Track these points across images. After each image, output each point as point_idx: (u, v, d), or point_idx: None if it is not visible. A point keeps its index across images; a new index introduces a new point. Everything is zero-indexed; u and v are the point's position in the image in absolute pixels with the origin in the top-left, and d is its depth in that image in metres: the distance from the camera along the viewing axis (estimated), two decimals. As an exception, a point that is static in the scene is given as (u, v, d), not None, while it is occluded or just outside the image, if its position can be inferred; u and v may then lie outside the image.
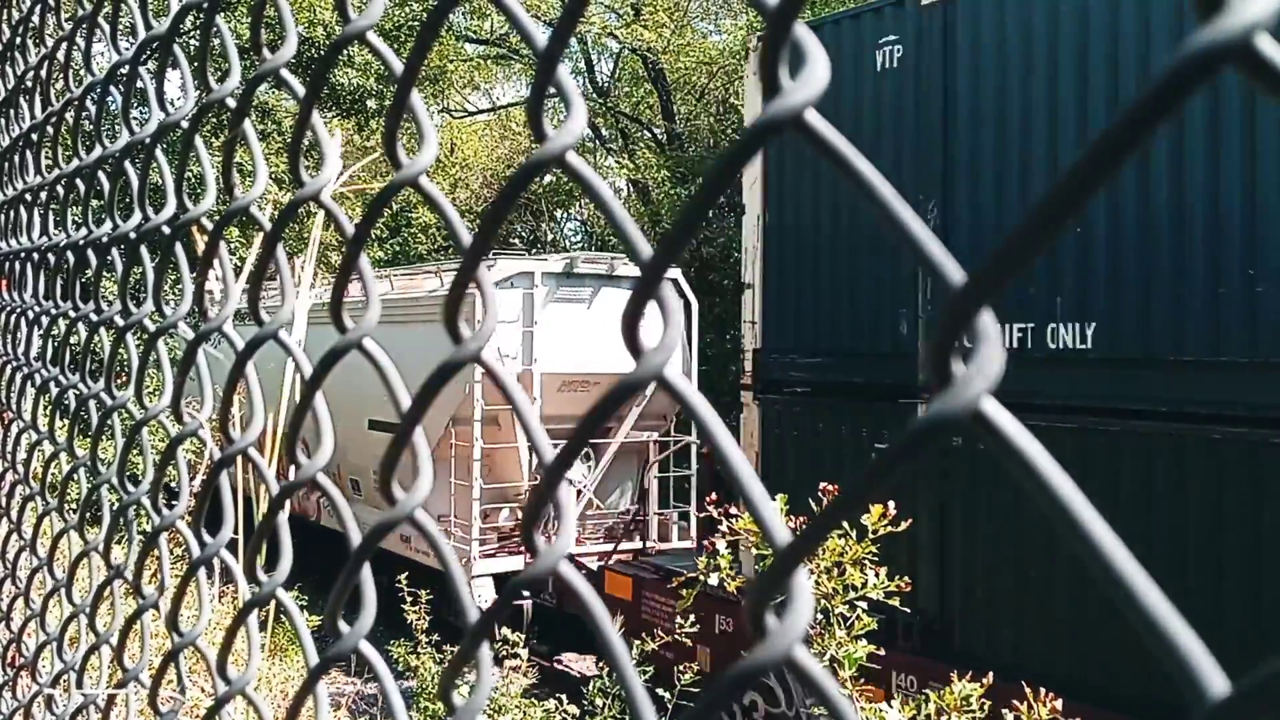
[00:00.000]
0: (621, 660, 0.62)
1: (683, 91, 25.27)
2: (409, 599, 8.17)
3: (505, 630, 7.31)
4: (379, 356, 0.86)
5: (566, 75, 0.64)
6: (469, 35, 25.83)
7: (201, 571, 1.31)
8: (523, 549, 0.74)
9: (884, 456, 0.42)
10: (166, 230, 1.35)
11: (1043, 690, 4.63)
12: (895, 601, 4.82)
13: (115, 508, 1.59)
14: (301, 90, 0.94)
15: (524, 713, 7.18)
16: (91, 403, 1.74)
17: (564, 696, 7.33)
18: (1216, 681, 0.35)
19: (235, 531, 1.35)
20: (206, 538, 1.24)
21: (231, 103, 1.12)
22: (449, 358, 0.72)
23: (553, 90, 0.68)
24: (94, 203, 1.76)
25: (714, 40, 25.57)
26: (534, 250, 24.95)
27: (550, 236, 28.56)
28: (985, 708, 4.55)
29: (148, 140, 1.40)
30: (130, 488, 1.55)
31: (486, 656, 0.71)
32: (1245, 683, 0.34)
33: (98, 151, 1.67)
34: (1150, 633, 0.37)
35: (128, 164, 1.54)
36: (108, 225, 1.66)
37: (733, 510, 5.10)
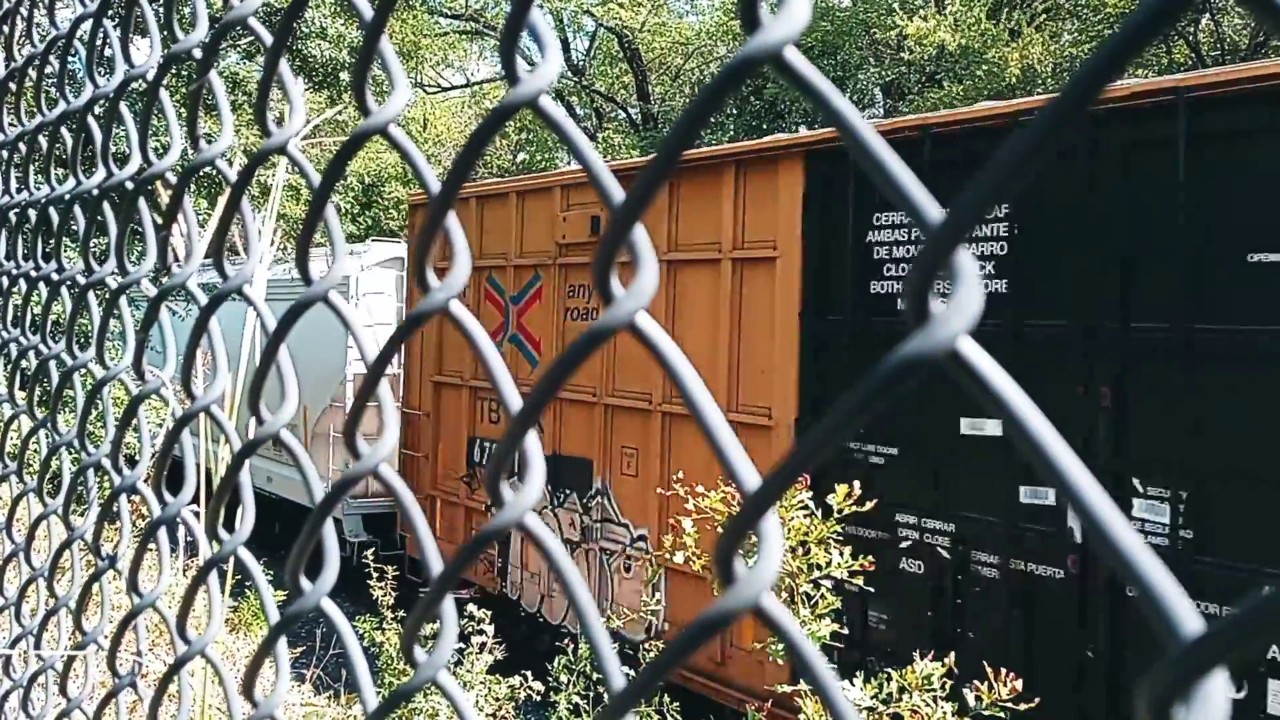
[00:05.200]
0: (588, 614, 0.62)
1: (658, 72, 25.21)
2: (375, 574, 8.14)
3: (470, 607, 7.30)
4: (344, 310, 0.84)
5: (540, 17, 0.62)
6: (443, 10, 25.61)
7: (162, 533, 1.30)
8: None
9: (858, 393, 0.41)
10: (130, 186, 1.33)
11: (1004, 670, 4.68)
12: (859, 581, 4.85)
13: (75, 469, 1.56)
14: (269, 39, 0.92)
15: (489, 689, 7.17)
16: (52, 364, 1.71)
17: (529, 674, 7.33)
18: (1190, 620, 0.35)
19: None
20: (168, 498, 1.22)
21: (198, 54, 1.09)
22: (418, 307, 0.70)
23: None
24: (58, 171, 1.72)
25: (690, 21, 25.51)
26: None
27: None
28: (947, 687, 4.59)
29: (111, 94, 1.37)
30: (91, 449, 1.52)
31: (450, 610, 0.70)
32: (1218, 622, 0.34)
33: (61, 107, 1.63)
34: (1125, 571, 0.36)
35: (91, 119, 1.51)
36: (70, 183, 1.62)
37: (699, 487, 5.10)
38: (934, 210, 0.42)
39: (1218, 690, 0.33)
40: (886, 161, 0.43)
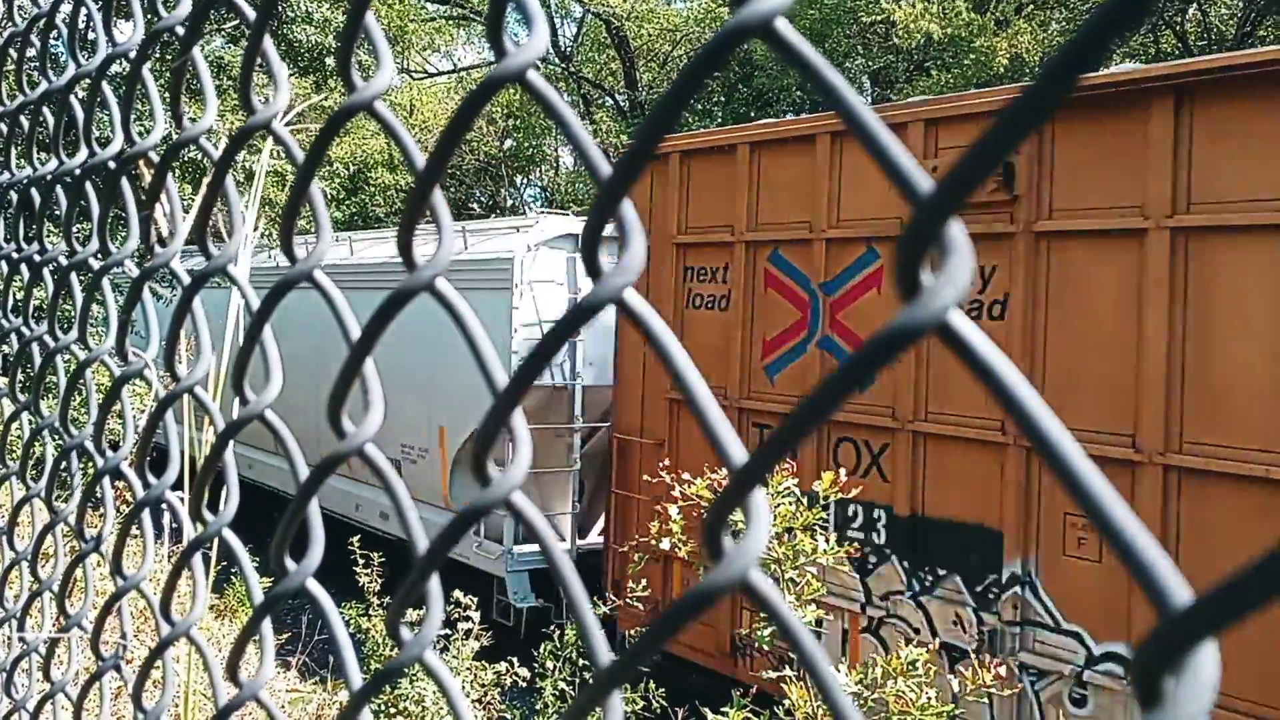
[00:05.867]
0: (574, 589, 0.61)
1: (646, 59, 25.15)
2: (361, 562, 8.13)
3: (457, 593, 7.30)
4: (328, 288, 0.84)
5: (528, -10, 0.61)
6: (430, -5, 25.50)
7: (146, 516, 1.29)
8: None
9: (849, 364, 0.41)
10: (113, 166, 1.32)
11: (988, 657, 4.70)
12: (845, 568, 4.85)
13: (58, 452, 1.55)
14: (252, 14, 0.91)
15: (475, 675, 7.18)
16: (34, 346, 1.69)
17: (515, 660, 7.34)
18: (1179, 591, 0.35)
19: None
20: (152, 480, 1.21)
21: (180, 30, 1.08)
22: (401, 284, 0.70)
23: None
24: (40, 155, 1.71)
25: (678, 7, 25.45)
26: (494, 214, 24.75)
27: (510, 202, 28.39)
28: (930, 673, 4.62)
29: (94, 73, 1.36)
30: (74, 432, 1.51)
31: (436, 589, 0.70)
32: (1205, 594, 0.33)
33: (43, 86, 1.62)
34: (1114, 541, 0.36)
35: (73, 99, 1.49)
36: (52, 163, 1.61)
37: (684, 475, 5.11)
38: (924, 181, 0.41)
39: (1207, 661, 0.33)
40: (878, 133, 0.43)
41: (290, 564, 0.88)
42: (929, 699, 4.54)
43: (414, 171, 0.69)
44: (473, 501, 0.62)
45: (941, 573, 6.92)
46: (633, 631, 8.74)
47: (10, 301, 1.92)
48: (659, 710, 6.60)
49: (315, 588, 0.85)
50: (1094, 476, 0.37)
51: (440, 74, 30.40)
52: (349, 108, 0.75)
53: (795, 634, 0.49)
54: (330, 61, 13.86)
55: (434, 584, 0.70)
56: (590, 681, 0.54)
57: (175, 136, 1.08)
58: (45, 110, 1.67)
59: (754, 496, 0.47)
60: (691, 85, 0.49)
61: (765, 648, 4.84)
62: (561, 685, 6.97)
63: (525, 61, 0.60)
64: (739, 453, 0.49)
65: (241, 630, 0.91)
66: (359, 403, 0.79)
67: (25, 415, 1.83)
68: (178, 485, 1.27)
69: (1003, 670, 4.74)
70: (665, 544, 5.32)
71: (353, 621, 7.92)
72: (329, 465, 0.79)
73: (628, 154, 0.52)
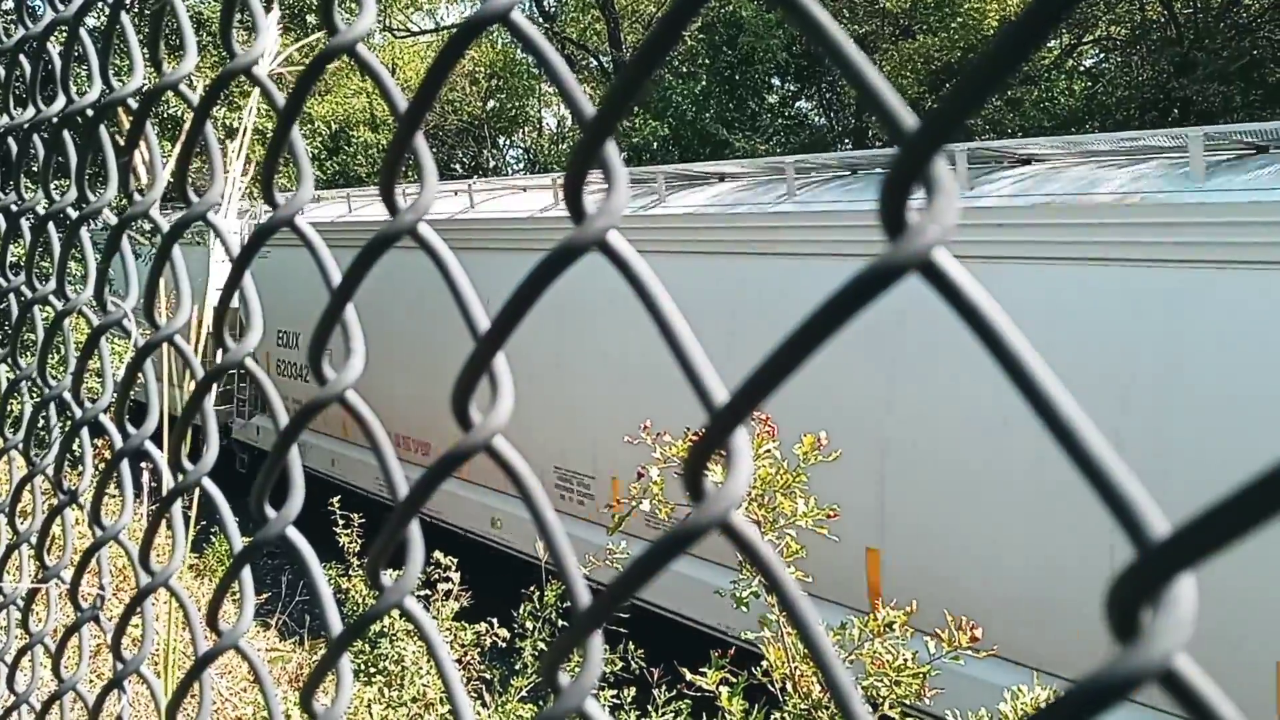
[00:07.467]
0: (555, 534, 0.61)
1: (630, 19, 24.95)
2: (341, 522, 8.12)
3: (438, 553, 7.31)
4: (310, 235, 0.83)
5: (513, -70, 0.61)
6: (413, -48, 25.19)
7: (125, 468, 1.28)
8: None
9: (832, 303, 0.40)
10: (91, 113, 1.30)
11: (964, 618, 4.74)
12: (824, 531, 4.87)
13: (36, 403, 1.54)
14: (234, -43, 0.90)
15: (454, 635, 7.21)
16: (11, 297, 1.68)
17: (495, 620, 7.36)
18: (1157, 523, 0.35)
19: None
20: (131, 430, 1.21)
21: (160, -26, 1.06)
22: (383, 229, 0.69)
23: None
24: (17, 109, 1.68)
25: (664, -32, 25.20)
26: (477, 176, 24.56)
27: (492, 164, 28.21)
28: (908, 635, 4.65)
29: (71, 19, 1.33)
30: (53, 383, 1.50)
31: (416, 535, 0.70)
32: (1183, 525, 0.34)
33: (19, 34, 1.59)
34: (1093, 477, 0.36)
35: (50, 46, 1.47)
36: (30, 111, 1.59)
37: (665, 436, 5.10)
38: (909, 118, 0.41)
39: (1186, 593, 0.33)
40: (864, 71, 0.43)
41: (270, 512, 0.88)
42: (904, 660, 4.56)
43: (396, 115, 0.68)
44: (455, 445, 0.62)
45: None
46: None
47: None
48: (637, 670, 6.65)
49: (295, 536, 0.85)
50: (1075, 415, 0.37)
51: (423, 33, 30.09)
52: (332, 50, 0.74)
53: (777, 578, 0.49)
54: (311, 19, 13.68)
55: (414, 531, 0.70)
56: (570, 624, 0.54)
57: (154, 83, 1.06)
58: (22, 60, 1.65)
59: (736, 438, 0.47)
60: (672, 36, 0.48)
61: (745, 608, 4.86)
62: (541, 645, 7.00)
63: (510, 2, 0.59)
64: (720, 393, 0.49)
65: (222, 578, 0.91)
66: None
67: (3, 368, 1.81)
68: (157, 444, 1.26)
69: (979, 633, 4.77)
70: (645, 505, 5.32)
71: (333, 581, 7.92)
72: (310, 411, 0.78)
73: (611, 98, 0.51)
